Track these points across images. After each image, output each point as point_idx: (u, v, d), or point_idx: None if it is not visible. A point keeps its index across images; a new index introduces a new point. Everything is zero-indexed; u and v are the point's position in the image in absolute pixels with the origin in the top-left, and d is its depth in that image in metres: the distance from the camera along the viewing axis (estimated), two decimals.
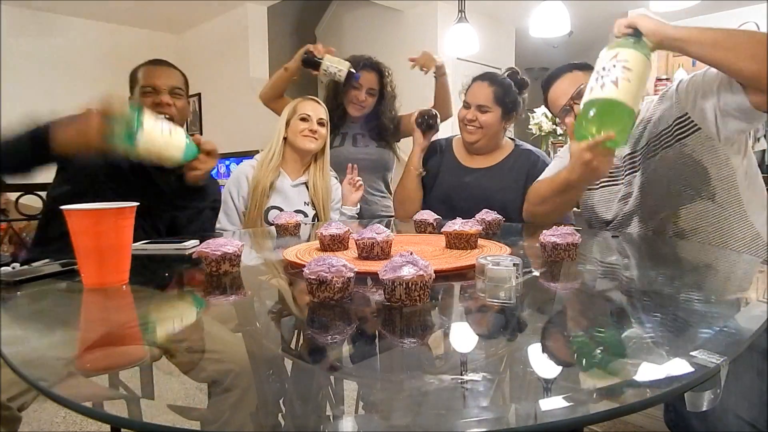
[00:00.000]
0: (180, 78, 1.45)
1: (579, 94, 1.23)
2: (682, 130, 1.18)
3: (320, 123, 1.70)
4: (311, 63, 1.79)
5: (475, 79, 1.70)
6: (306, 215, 1.68)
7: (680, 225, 1.20)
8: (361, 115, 2.03)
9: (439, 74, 2.00)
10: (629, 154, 1.28)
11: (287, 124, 1.72)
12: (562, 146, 2.89)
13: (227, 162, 3.86)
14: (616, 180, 1.32)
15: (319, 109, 1.72)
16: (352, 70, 1.80)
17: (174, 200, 1.33)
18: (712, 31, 1.04)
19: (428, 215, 1.25)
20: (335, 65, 1.79)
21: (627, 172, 1.28)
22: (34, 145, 1.08)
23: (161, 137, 1.10)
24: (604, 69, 1.05)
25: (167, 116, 1.38)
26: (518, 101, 1.67)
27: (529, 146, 1.74)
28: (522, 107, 1.70)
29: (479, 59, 4.48)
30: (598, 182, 1.33)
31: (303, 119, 1.69)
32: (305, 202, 1.72)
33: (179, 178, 1.26)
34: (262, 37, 4.58)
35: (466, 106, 1.67)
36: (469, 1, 2.70)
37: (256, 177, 1.67)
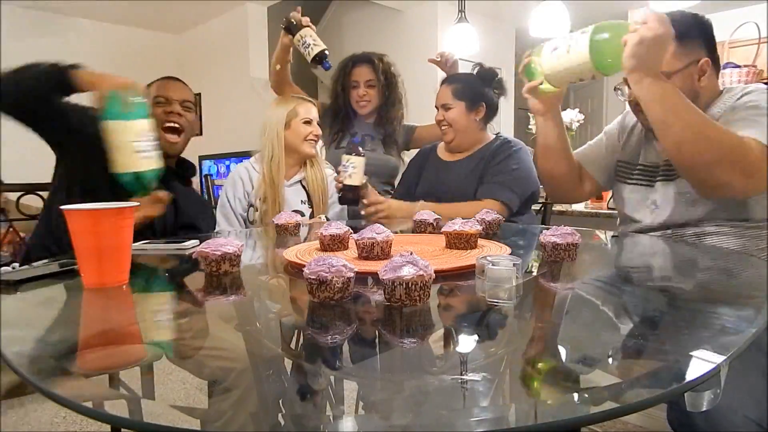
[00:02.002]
0: (190, 93, 1.51)
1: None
2: None
3: (319, 124, 1.71)
4: (290, 29, 1.71)
5: (441, 83, 1.76)
6: (303, 215, 1.68)
7: (706, 242, 1.13)
8: (370, 112, 2.01)
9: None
10: (668, 159, 1.18)
11: (287, 125, 1.69)
12: None
13: (227, 162, 3.86)
14: (650, 181, 1.24)
15: (314, 110, 1.73)
16: (326, 52, 1.69)
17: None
18: (691, 113, 0.99)
19: (428, 215, 1.25)
20: (311, 39, 1.69)
21: (660, 177, 1.21)
22: (54, 73, 1.17)
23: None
24: (571, 35, 1.07)
25: (177, 125, 1.45)
26: (484, 92, 1.70)
27: (509, 137, 1.75)
28: (493, 98, 1.72)
29: (479, 59, 4.49)
30: (630, 177, 1.29)
31: (306, 122, 1.68)
32: (302, 201, 1.71)
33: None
34: (262, 37, 4.58)
35: (437, 109, 1.73)
36: (469, 1, 2.70)
37: (267, 175, 1.66)
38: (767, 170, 0.99)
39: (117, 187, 1.23)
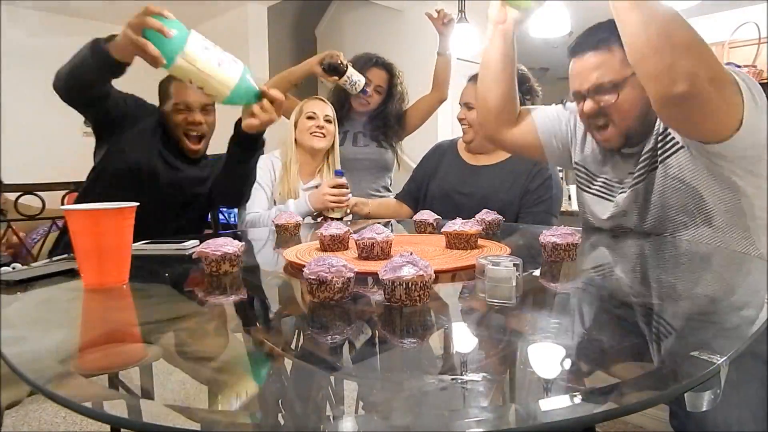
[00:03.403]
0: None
1: (597, 89, 1.09)
2: (665, 147, 1.06)
3: (327, 120, 1.70)
4: (336, 70, 1.80)
5: (468, 80, 1.72)
6: (315, 220, 1.67)
7: (679, 249, 1.09)
8: (365, 111, 2.02)
9: (443, 50, 1.99)
10: (631, 172, 1.14)
11: (295, 125, 1.72)
12: None
13: None
14: (612, 196, 1.20)
15: (325, 107, 1.73)
16: (366, 86, 1.86)
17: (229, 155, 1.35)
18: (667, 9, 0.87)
19: (428, 215, 1.25)
20: (356, 77, 1.83)
21: (621, 191, 1.17)
22: (95, 54, 1.12)
23: (204, 67, 1.03)
24: None
25: (197, 134, 1.47)
26: None
27: None
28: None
29: (479, 59, 4.49)
30: (591, 187, 1.26)
31: (310, 117, 1.69)
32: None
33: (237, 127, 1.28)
34: (262, 37, 4.58)
35: (460, 106, 1.70)
36: (469, 1, 2.70)
37: (285, 177, 1.68)
38: (742, 107, 0.90)
39: (146, 183, 1.28)
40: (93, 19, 4.58)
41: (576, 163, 1.30)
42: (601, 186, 1.24)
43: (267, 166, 1.70)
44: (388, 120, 2.02)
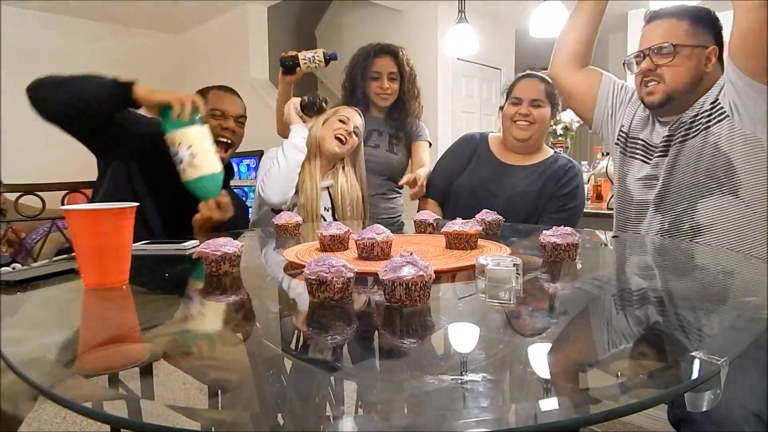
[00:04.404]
0: (244, 107, 1.57)
1: (658, 50, 1.22)
2: (711, 116, 1.16)
3: (355, 130, 1.66)
4: (289, 65, 1.74)
5: (521, 77, 1.69)
6: (325, 220, 1.66)
7: (697, 219, 1.17)
8: (388, 104, 1.95)
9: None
10: (667, 136, 1.25)
11: (324, 122, 1.67)
12: (561, 146, 2.89)
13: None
14: (648, 158, 1.31)
15: (358, 118, 1.69)
16: (328, 52, 1.73)
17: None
18: None
19: (428, 215, 1.25)
20: (310, 54, 1.73)
21: (659, 154, 1.27)
22: (116, 88, 1.19)
23: (211, 148, 1.23)
24: None
25: (227, 140, 1.49)
26: (559, 104, 1.68)
27: (571, 159, 1.70)
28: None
29: (479, 59, 4.49)
30: (634, 153, 1.35)
31: (341, 121, 1.65)
32: (325, 208, 1.69)
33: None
34: (262, 37, 4.58)
35: (516, 102, 1.64)
36: (469, 1, 2.70)
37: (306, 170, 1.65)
38: None
39: (160, 196, 1.30)
40: (93, 19, 4.59)
41: (621, 133, 1.40)
42: (640, 148, 1.34)
43: (278, 149, 1.66)
44: (409, 105, 1.96)
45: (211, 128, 1.42)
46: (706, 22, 1.22)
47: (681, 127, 1.22)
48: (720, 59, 1.23)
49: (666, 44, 1.20)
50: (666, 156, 1.24)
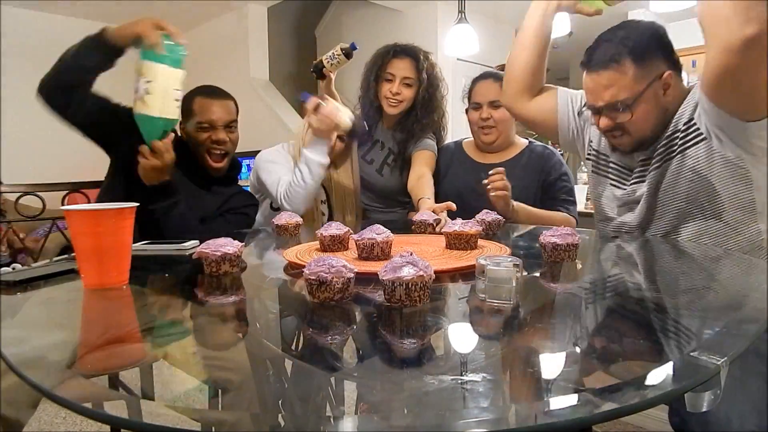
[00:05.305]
0: (233, 109, 1.48)
1: (612, 107, 1.10)
2: (687, 136, 1.08)
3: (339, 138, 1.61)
4: (317, 70, 1.73)
5: (477, 80, 1.70)
6: (323, 214, 1.65)
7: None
8: (398, 113, 1.75)
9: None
10: (642, 160, 1.17)
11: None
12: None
13: None
14: (624, 182, 1.23)
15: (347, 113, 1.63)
16: (345, 45, 1.69)
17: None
18: None
19: (428, 215, 1.25)
20: (330, 52, 1.71)
21: (635, 179, 1.19)
22: (93, 41, 1.21)
23: (174, 93, 1.17)
24: None
25: (222, 152, 1.44)
26: None
27: (541, 143, 1.74)
28: None
29: (479, 59, 4.48)
30: (607, 174, 1.28)
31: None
32: (321, 201, 1.68)
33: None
34: (262, 37, 4.58)
35: (476, 106, 1.66)
36: (469, 1, 2.70)
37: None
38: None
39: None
40: (93, 19, 4.59)
41: (590, 148, 1.33)
42: (613, 171, 1.26)
43: (276, 149, 1.65)
44: (420, 119, 1.75)
45: (201, 141, 1.40)
46: (651, 50, 1.07)
47: (657, 150, 1.13)
48: (678, 70, 1.12)
49: (617, 103, 1.09)
50: (644, 181, 1.16)
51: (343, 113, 1.48)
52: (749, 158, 1.02)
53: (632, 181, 1.20)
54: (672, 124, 1.11)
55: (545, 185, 1.65)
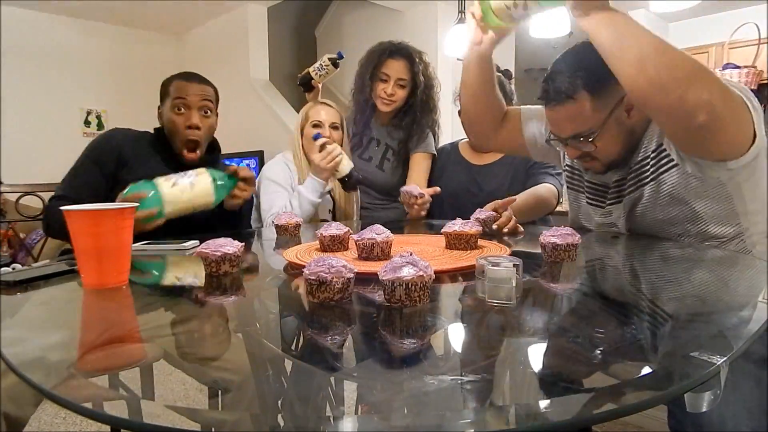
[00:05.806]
0: (211, 93, 1.44)
1: (576, 138, 1.07)
2: (659, 162, 1.04)
3: (333, 127, 1.62)
4: (305, 82, 1.79)
5: None
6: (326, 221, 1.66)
7: None
8: (391, 111, 1.79)
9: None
10: (617, 180, 1.13)
11: (302, 133, 1.64)
12: None
13: (227, 163, 3.86)
14: (600, 202, 1.20)
15: (331, 112, 1.64)
16: (332, 55, 1.74)
17: (212, 226, 1.37)
18: (648, 34, 0.87)
19: (413, 188, 1.28)
20: (317, 63, 1.76)
21: (612, 200, 1.16)
22: None
23: (183, 195, 1.19)
24: None
25: (195, 139, 1.40)
26: (507, 93, 1.69)
27: None
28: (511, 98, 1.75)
29: None
30: (581, 189, 1.26)
31: (315, 125, 1.60)
32: (329, 210, 1.69)
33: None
34: (262, 37, 4.58)
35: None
36: (469, 1, 2.70)
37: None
38: (752, 120, 0.91)
39: None
40: (93, 20, 4.59)
41: (564, 160, 1.32)
42: (587, 189, 1.24)
43: (281, 167, 1.64)
44: (415, 119, 1.79)
45: (176, 128, 1.37)
46: (606, 77, 0.95)
47: (630, 173, 1.10)
48: None
49: (579, 136, 1.06)
50: (621, 202, 1.14)
51: (345, 160, 1.55)
52: (727, 174, 0.98)
53: (609, 202, 1.18)
54: (643, 147, 1.08)
55: (529, 168, 1.71)
